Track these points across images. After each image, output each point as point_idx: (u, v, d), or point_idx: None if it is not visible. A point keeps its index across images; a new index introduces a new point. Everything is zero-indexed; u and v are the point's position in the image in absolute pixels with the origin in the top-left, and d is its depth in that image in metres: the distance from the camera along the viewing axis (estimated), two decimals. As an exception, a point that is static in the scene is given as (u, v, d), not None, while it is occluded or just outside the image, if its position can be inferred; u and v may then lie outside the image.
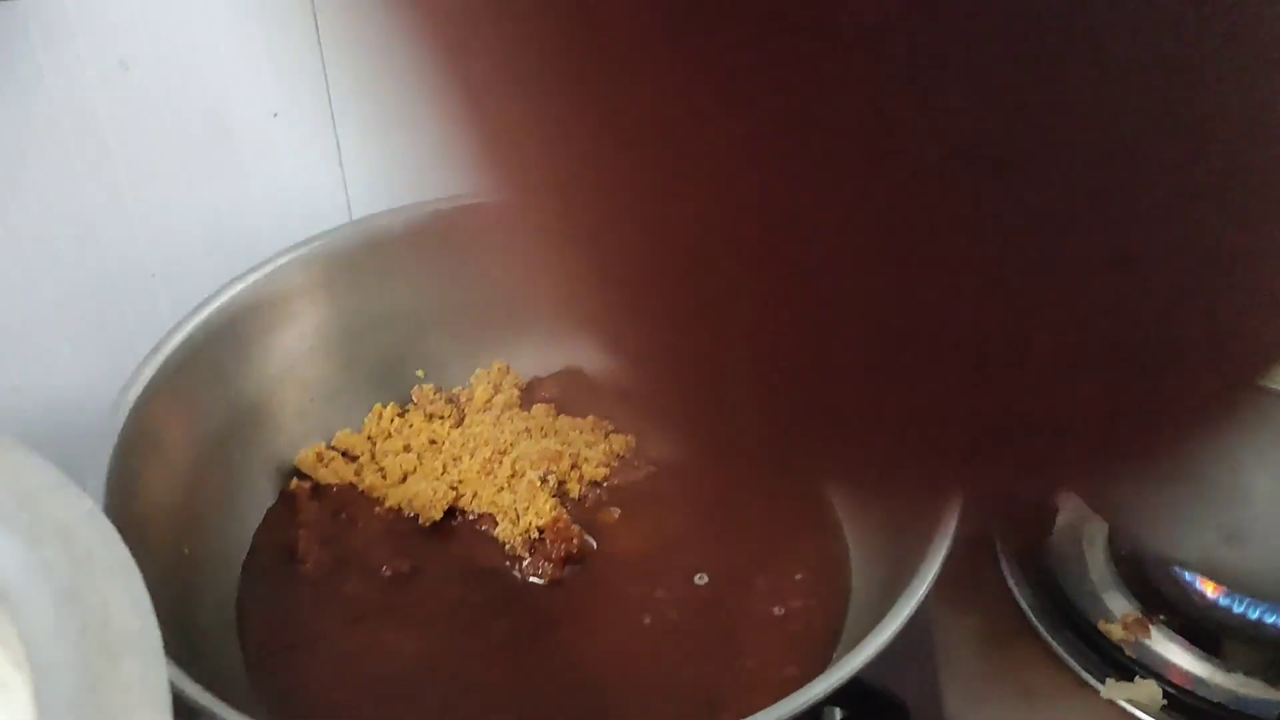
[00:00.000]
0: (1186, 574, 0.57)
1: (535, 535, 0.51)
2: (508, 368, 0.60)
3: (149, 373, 0.48)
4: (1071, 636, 0.57)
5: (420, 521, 0.53)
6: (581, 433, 0.56)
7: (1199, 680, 0.54)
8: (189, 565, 0.47)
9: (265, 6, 0.52)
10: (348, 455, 0.56)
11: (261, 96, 0.54)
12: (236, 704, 0.38)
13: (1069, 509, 0.62)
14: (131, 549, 0.44)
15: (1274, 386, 0.43)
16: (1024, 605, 0.58)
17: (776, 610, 0.50)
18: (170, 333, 0.50)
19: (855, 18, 0.11)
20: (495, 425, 0.56)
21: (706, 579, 0.51)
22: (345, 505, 0.53)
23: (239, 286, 0.53)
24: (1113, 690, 0.54)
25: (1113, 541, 0.61)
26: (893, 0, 0.11)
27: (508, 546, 0.51)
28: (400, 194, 0.59)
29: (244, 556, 0.51)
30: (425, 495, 0.53)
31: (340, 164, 0.58)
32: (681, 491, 0.55)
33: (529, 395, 0.59)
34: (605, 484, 0.55)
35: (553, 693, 0.47)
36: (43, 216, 0.51)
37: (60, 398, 0.55)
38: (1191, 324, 0.14)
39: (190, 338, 0.50)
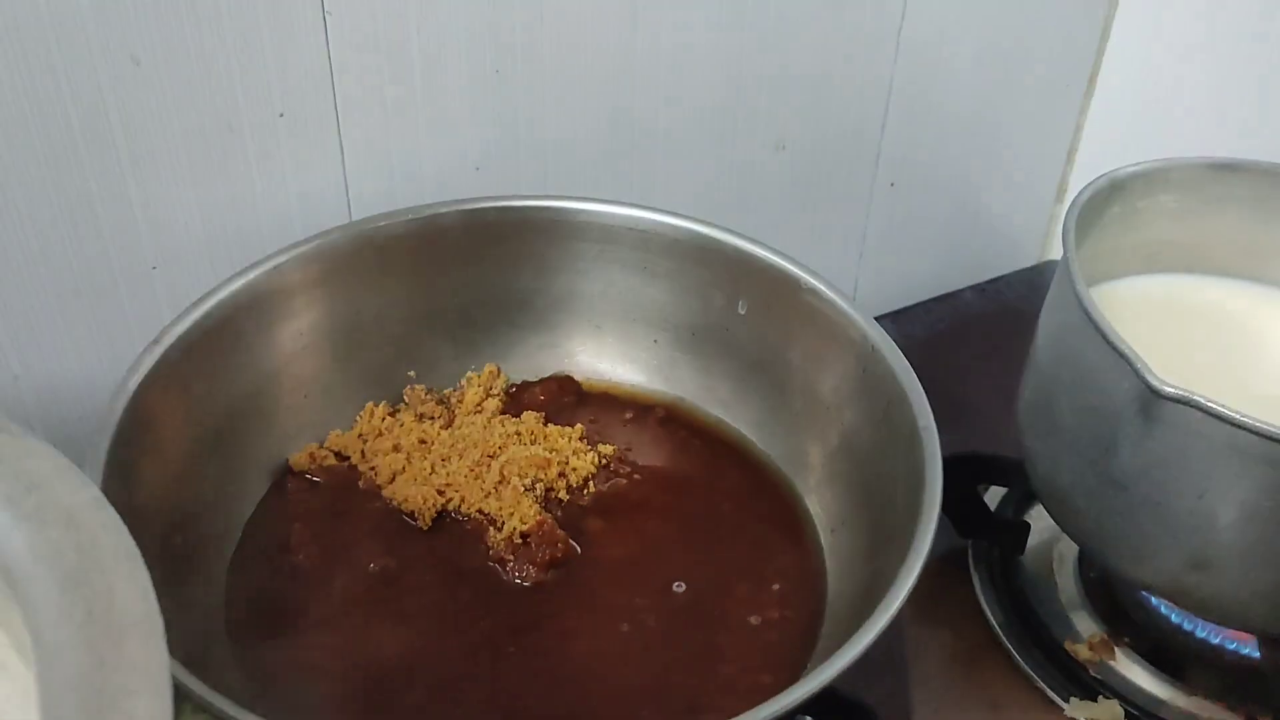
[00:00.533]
0: (1153, 598, 0.59)
1: (520, 539, 0.52)
2: (498, 370, 0.62)
3: (148, 364, 0.49)
4: (1039, 655, 0.58)
5: (410, 521, 0.54)
6: (569, 440, 0.58)
7: (1161, 702, 0.56)
8: (181, 554, 0.48)
9: (276, 9, 0.53)
10: (340, 455, 0.57)
11: (269, 97, 0.55)
12: (223, 691, 0.38)
13: (1040, 530, 0.64)
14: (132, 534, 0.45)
15: (1243, 419, 0.45)
16: (994, 623, 0.60)
17: (753, 619, 0.51)
18: (169, 326, 0.51)
19: None
20: (485, 429, 0.57)
21: (684, 587, 0.52)
22: (338, 501, 0.54)
23: (238, 282, 0.54)
24: (1077, 709, 0.55)
25: (1082, 563, 0.63)
26: None
27: (494, 549, 0.52)
28: (400, 198, 0.60)
29: (234, 547, 0.52)
30: (414, 496, 0.54)
31: (343, 165, 0.59)
32: (664, 502, 0.57)
33: (518, 399, 0.60)
34: (591, 492, 0.56)
35: (533, 693, 0.48)
36: (47, 207, 0.52)
37: (59, 387, 0.56)
38: None
39: (189, 331, 0.51)
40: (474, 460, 0.55)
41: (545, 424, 0.58)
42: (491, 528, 0.53)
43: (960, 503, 0.62)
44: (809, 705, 0.40)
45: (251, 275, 0.54)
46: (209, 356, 0.52)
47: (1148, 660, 0.57)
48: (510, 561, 0.52)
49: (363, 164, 0.59)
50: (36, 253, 0.53)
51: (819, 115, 0.72)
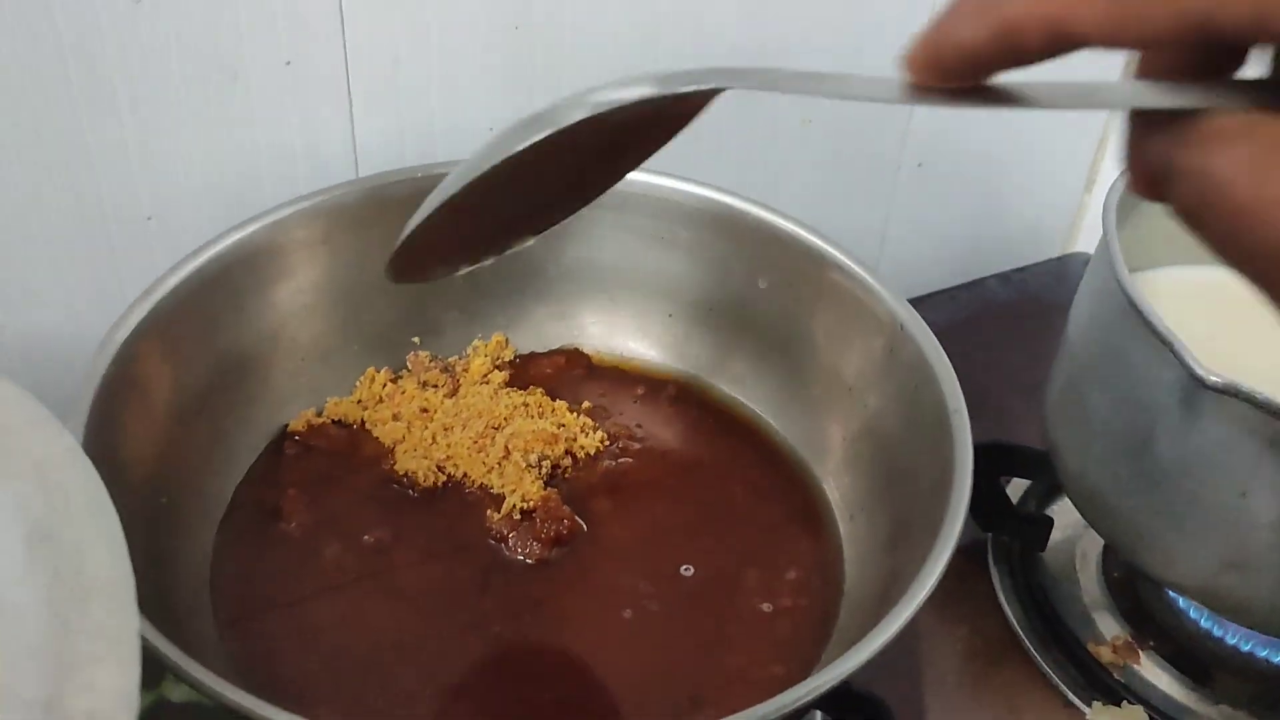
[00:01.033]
0: (1180, 599, 0.57)
1: (522, 515, 0.50)
2: (506, 340, 0.59)
3: (138, 316, 0.47)
4: (1060, 656, 0.56)
5: (409, 492, 0.51)
6: (577, 416, 0.55)
7: (1186, 710, 0.54)
8: (166, 516, 0.46)
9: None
10: (338, 422, 0.54)
11: (275, 44, 0.52)
12: (205, 662, 0.36)
13: (1063, 525, 0.62)
14: (109, 492, 0.43)
15: (1291, 414, 0.42)
16: (1013, 621, 0.57)
17: (765, 607, 0.49)
18: (163, 278, 0.49)
19: None
20: (491, 400, 0.54)
21: (693, 571, 0.50)
22: (333, 469, 0.52)
23: (237, 235, 0.51)
24: (1099, 714, 0.53)
25: (1106, 561, 0.60)
26: None
27: (494, 526, 0.50)
28: (410, 155, 0.58)
29: (222, 512, 0.49)
30: (414, 467, 0.51)
31: (351, 119, 0.56)
32: (674, 483, 0.54)
33: (525, 371, 0.58)
34: (598, 470, 0.54)
35: (531, 676, 0.46)
36: (40, 152, 0.50)
37: (46, 336, 0.54)
38: None
39: (183, 284, 0.49)
40: (477, 432, 0.53)
41: (553, 399, 0.56)
42: (493, 504, 0.51)
43: (981, 495, 0.59)
44: (822, 700, 0.38)
45: (251, 229, 0.52)
46: (203, 312, 0.50)
47: (1173, 665, 0.55)
48: (512, 536, 0.49)
49: (372, 119, 0.56)
50: (26, 196, 0.50)
51: (847, 89, 0.69)
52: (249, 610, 0.46)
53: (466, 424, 0.53)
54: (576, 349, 0.59)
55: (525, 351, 0.59)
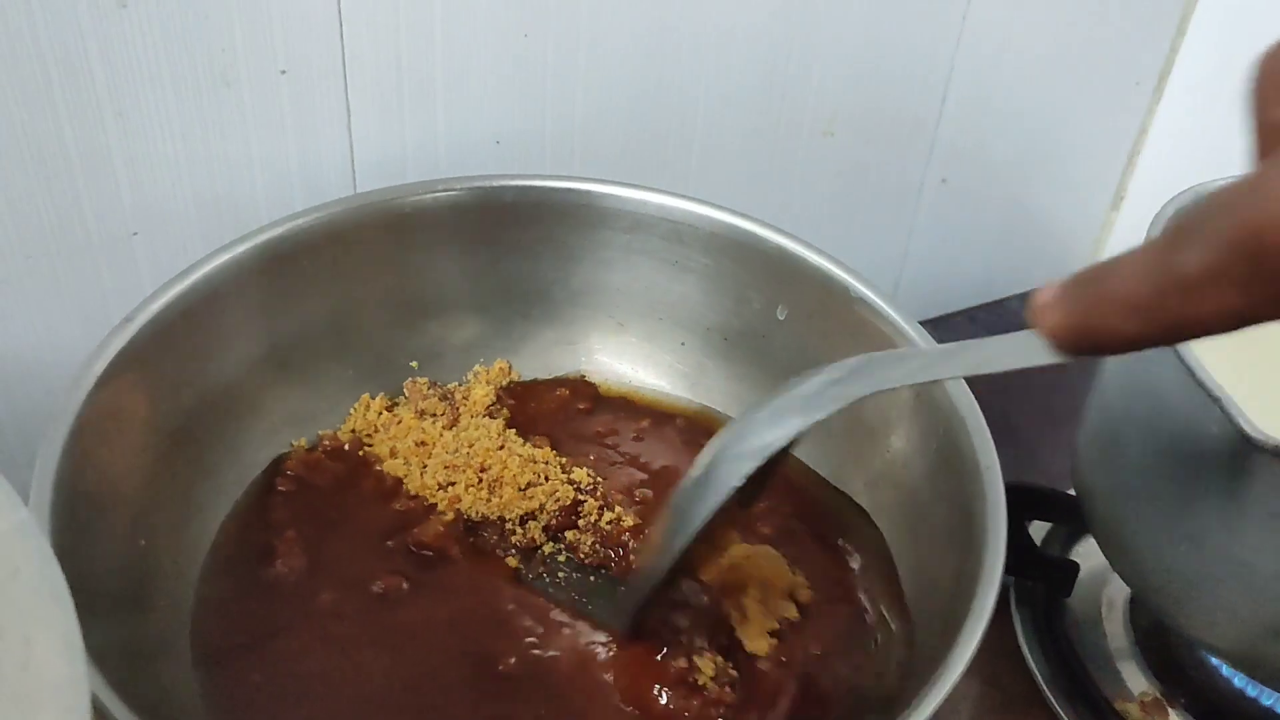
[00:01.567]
0: (1214, 658, 0.54)
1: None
2: (509, 367, 0.56)
3: (118, 344, 0.44)
4: (1086, 713, 0.53)
5: (409, 539, 0.48)
6: (590, 469, 0.51)
7: (1218, 774, 0.51)
8: (144, 559, 0.43)
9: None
10: (334, 455, 0.51)
11: (270, 50, 0.49)
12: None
13: (1089, 569, 0.59)
14: (82, 536, 0.40)
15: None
16: (1036, 673, 0.55)
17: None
18: (147, 300, 0.46)
19: None
20: (495, 439, 0.51)
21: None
22: (329, 508, 0.49)
23: (227, 255, 0.48)
24: (1126, 779, 0.50)
25: (1134, 609, 0.58)
26: None
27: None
28: (411, 170, 0.55)
29: (205, 554, 0.46)
30: (414, 512, 0.48)
31: (349, 131, 0.53)
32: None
33: (525, 403, 0.54)
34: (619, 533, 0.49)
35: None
36: (17, 161, 0.47)
37: (24, 359, 0.51)
38: None
39: (169, 307, 0.46)
40: (478, 470, 0.49)
41: (556, 450, 0.52)
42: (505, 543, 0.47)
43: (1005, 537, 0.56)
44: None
45: (242, 248, 0.49)
46: (189, 337, 0.47)
47: (1204, 725, 0.52)
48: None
49: (371, 131, 0.53)
50: (2, 209, 0.47)
51: (873, 99, 0.66)
52: (230, 660, 0.43)
53: (468, 461, 0.49)
54: (582, 377, 0.56)
55: (529, 378, 0.56)
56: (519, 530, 0.48)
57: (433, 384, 0.54)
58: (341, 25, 0.50)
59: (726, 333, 0.55)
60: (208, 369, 0.48)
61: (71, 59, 0.46)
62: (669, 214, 0.53)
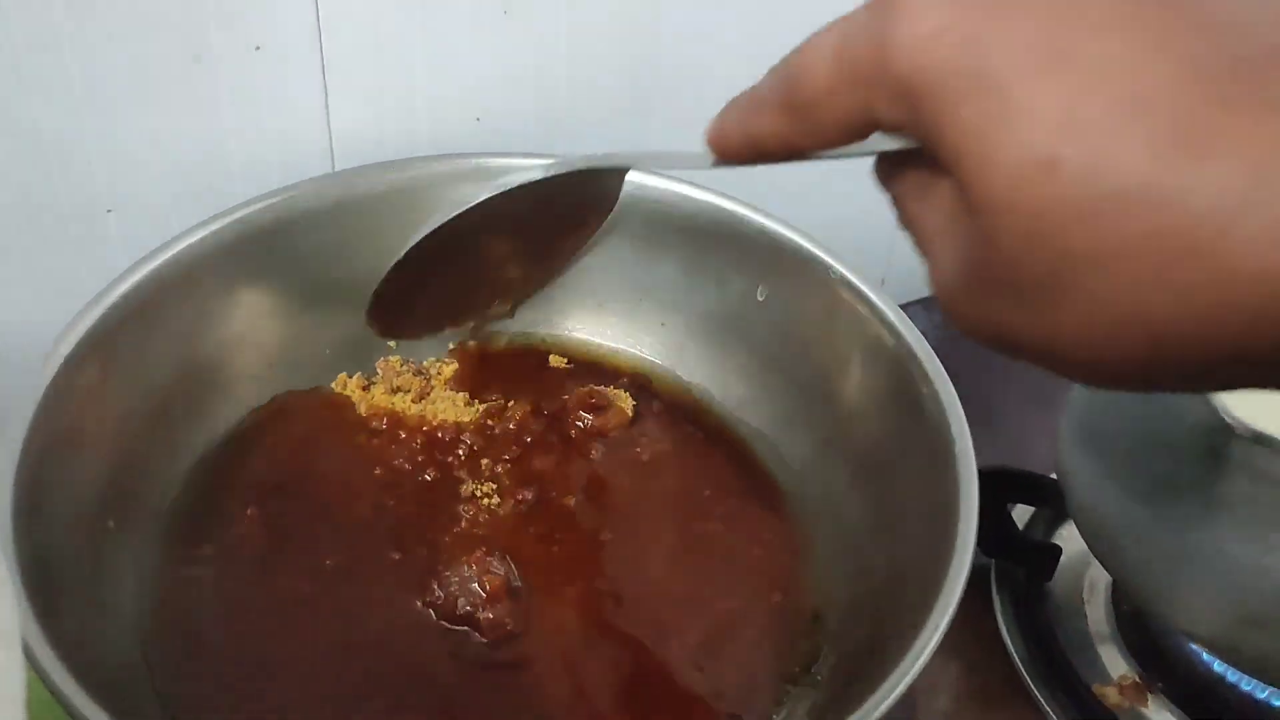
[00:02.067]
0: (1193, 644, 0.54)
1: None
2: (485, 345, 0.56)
3: (88, 322, 0.43)
4: (1063, 698, 0.53)
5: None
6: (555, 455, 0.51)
7: (1195, 758, 0.51)
8: (112, 543, 0.43)
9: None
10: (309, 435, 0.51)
11: (244, 26, 0.48)
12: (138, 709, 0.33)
13: (1070, 552, 0.58)
14: (49, 519, 0.40)
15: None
16: (1015, 657, 0.54)
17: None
18: (119, 278, 0.45)
19: None
20: (461, 409, 0.50)
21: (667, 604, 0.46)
22: (293, 482, 0.48)
23: (202, 232, 0.48)
24: (1103, 763, 0.50)
25: (1115, 593, 0.57)
26: None
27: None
28: (390, 147, 0.54)
29: (171, 533, 0.46)
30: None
31: (326, 109, 0.52)
32: (654, 504, 0.51)
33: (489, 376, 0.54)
34: (572, 496, 0.50)
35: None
36: (-11, 136, 0.46)
37: (-6, 336, 0.51)
38: None
39: (141, 285, 0.46)
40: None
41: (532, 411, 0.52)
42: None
43: (987, 520, 0.56)
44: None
45: (217, 225, 0.48)
46: (162, 316, 0.46)
47: (1183, 710, 0.52)
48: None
49: (349, 108, 0.53)
50: (-28, 188, 0.47)
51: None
52: (186, 647, 0.42)
53: (431, 444, 0.49)
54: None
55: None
56: None
57: (405, 361, 0.53)
58: (317, 1, 0.49)
59: (706, 314, 0.54)
60: (183, 347, 0.48)
61: (41, 33, 0.45)
62: (650, 194, 0.53)
